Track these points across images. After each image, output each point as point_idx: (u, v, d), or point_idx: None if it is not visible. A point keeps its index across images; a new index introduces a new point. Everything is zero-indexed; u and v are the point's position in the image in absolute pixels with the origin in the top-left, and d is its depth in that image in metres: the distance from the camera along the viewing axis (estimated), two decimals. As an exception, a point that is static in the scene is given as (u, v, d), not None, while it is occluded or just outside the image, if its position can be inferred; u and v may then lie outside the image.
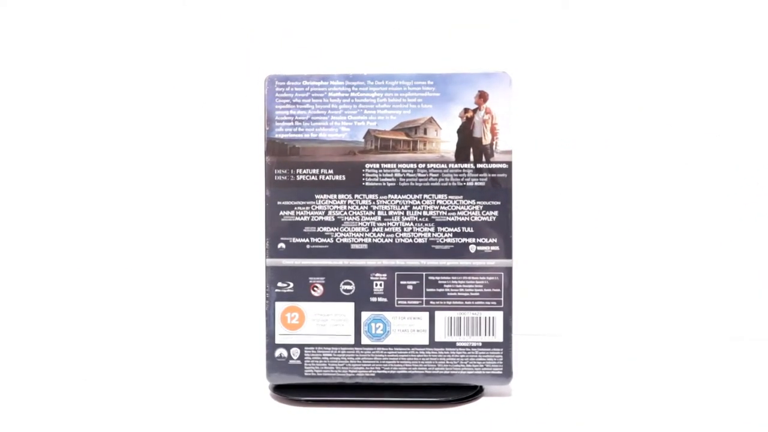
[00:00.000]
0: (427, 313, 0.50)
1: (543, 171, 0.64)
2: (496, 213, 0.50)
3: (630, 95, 0.63)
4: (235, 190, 0.65)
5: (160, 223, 0.66)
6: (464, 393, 0.50)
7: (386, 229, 0.50)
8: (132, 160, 0.66)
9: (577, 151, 0.64)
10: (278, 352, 0.50)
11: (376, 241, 0.50)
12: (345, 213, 0.50)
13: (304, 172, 0.50)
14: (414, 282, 0.50)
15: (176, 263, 0.66)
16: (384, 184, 0.50)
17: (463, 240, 0.50)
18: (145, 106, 0.65)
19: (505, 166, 0.50)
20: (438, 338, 0.50)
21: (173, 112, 0.65)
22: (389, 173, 0.50)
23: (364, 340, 0.50)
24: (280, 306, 0.50)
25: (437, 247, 0.50)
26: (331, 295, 0.50)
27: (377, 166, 0.50)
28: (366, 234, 0.50)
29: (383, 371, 0.50)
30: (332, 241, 0.50)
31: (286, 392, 0.50)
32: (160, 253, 0.66)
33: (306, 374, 0.50)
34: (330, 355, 0.50)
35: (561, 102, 0.63)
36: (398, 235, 0.50)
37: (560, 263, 0.65)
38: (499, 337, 0.50)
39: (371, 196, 0.50)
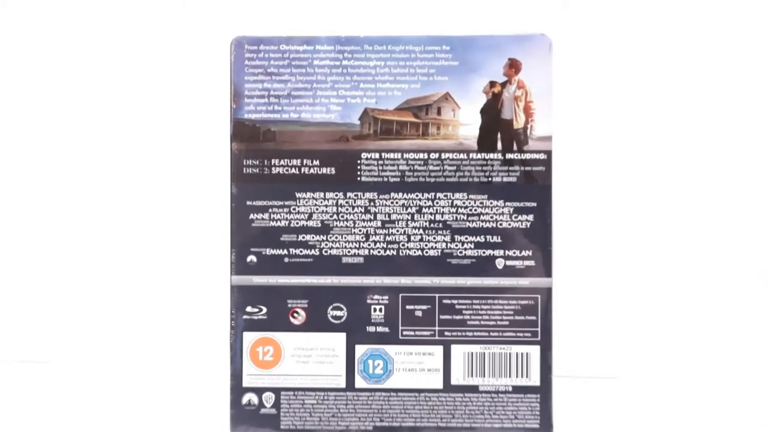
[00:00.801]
0: (440, 348, 0.48)
1: (591, 163, 0.60)
2: (530, 217, 0.48)
3: (700, 70, 0.60)
4: (191, 185, 0.61)
5: (97, 230, 0.62)
6: (489, 452, 0.50)
7: (388, 238, 0.49)
8: (57, 145, 0.62)
9: (635, 137, 0.60)
10: (246, 397, 0.49)
11: (375, 253, 0.48)
12: (335, 217, 0.48)
13: (282, 163, 0.48)
14: (424, 307, 0.48)
15: (117, 278, 0.62)
16: (385, 179, 0.48)
17: (489, 252, 0.48)
18: (73, 74, 0.62)
19: (542, 156, 0.48)
20: (455, 380, 0.48)
21: (112, 84, 0.61)
22: (392, 165, 0.48)
23: (359, 383, 0.48)
24: (249, 337, 0.49)
25: (454, 261, 0.48)
26: (317, 323, 0.48)
27: (377, 156, 0.48)
28: (362, 244, 0.48)
29: (383, 423, 0.49)
30: (318, 253, 0.48)
31: (256, 450, 0.51)
32: (98, 266, 0.62)
33: (282, 427, 0.49)
34: (314, 402, 0.49)
35: (615, 72, 0.60)
36: (404, 245, 0.48)
37: (613, 282, 0.61)
38: (534, 380, 0.48)
39: (369, 195, 0.48)
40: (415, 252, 0.48)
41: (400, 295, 0.48)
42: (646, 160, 0.60)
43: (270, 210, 0.48)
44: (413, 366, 0.49)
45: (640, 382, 0.59)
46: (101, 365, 0.62)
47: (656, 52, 0.59)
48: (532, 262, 0.48)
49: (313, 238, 0.49)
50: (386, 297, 0.48)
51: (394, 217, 0.49)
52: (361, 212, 0.49)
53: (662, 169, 0.61)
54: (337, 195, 0.48)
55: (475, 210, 0.48)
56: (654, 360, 0.60)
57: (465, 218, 0.49)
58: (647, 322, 0.60)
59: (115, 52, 0.61)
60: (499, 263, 0.48)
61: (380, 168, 0.48)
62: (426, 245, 0.48)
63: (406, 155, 0.48)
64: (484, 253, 0.48)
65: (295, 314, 0.49)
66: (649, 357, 0.60)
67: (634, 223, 0.60)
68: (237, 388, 0.49)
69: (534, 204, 0.48)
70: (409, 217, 0.49)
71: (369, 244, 0.49)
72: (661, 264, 0.60)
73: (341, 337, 0.49)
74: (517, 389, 0.48)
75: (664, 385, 0.59)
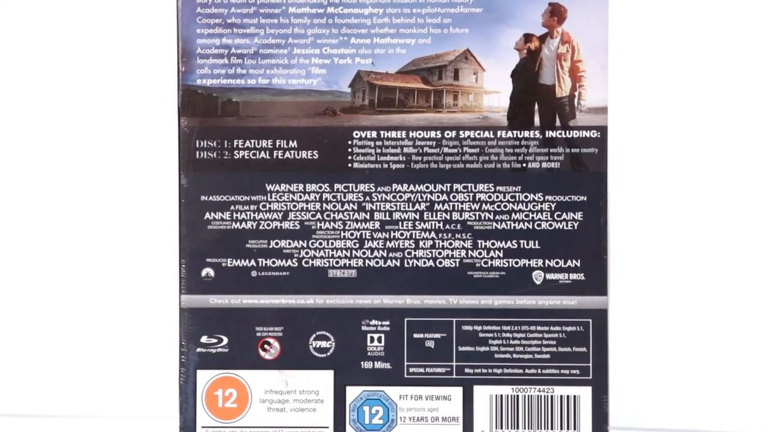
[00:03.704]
0: (460, 389, 0.47)
1: (658, 144, 0.61)
2: (579, 216, 0.47)
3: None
4: (127, 175, 0.62)
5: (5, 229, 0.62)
6: None
7: (389, 244, 0.47)
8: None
9: (716, 109, 0.60)
10: (202, 459, 0.47)
11: (372, 264, 0.47)
12: (318, 216, 0.47)
13: (248, 145, 0.47)
14: (437, 335, 0.47)
15: (36, 292, 0.62)
16: (385, 166, 0.47)
17: (523, 262, 0.47)
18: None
19: (595, 134, 0.46)
20: None
21: (25, 33, 0.61)
22: (394, 148, 0.47)
23: None
24: (205, 377, 0.47)
25: (477, 275, 0.47)
26: (295, 357, 0.47)
27: (374, 135, 0.47)
28: (354, 252, 0.47)
29: (384, 491, 0.47)
30: (296, 265, 0.47)
31: None
32: (8, 277, 0.62)
33: (250, 496, 0.47)
34: (292, 462, 0.47)
35: (691, 25, 0.60)
36: (410, 253, 0.47)
37: (688, 303, 0.61)
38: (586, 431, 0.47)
39: (363, 187, 0.47)
40: (424, 263, 0.47)
41: (406, 319, 0.47)
42: (731, 140, 0.59)
43: (232, 207, 0.47)
44: (423, 414, 0.47)
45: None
46: (23, 408, 0.62)
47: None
48: (581, 276, 0.47)
49: (289, 244, 0.47)
50: (387, 322, 0.47)
51: (396, 216, 0.48)
52: (353, 210, 0.48)
53: (752, 151, 0.59)
54: (321, 187, 0.47)
55: (505, 206, 0.47)
56: (747, 411, 0.60)
57: (491, 217, 0.47)
58: (737, 355, 0.59)
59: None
60: (537, 277, 0.47)
61: (378, 151, 0.47)
62: (440, 253, 0.47)
63: (412, 134, 0.47)
64: (516, 263, 0.47)
65: (266, 346, 0.48)
66: (740, 407, 0.59)
67: (717, 223, 0.59)
68: (189, 444, 0.47)
69: (583, 198, 0.47)
70: (417, 217, 0.47)
71: (364, 253, 0.48)
72: (757, 277, 0.59)
73: (328, 375, 0.48)
74: (562, 444, 0.46)
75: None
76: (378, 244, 0.48)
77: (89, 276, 0.61)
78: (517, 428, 0.47)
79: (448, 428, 0.48)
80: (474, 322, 0.47)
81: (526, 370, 0.47)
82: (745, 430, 0.59)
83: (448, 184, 0.48)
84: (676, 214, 0.60)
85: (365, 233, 0.48)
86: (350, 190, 0.48)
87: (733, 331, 0.59)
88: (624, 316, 0.55)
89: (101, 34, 0.61)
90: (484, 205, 0.47)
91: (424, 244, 0.47)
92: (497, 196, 0.47)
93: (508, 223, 0.47)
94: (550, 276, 0.47)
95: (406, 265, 0.47)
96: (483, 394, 0.47)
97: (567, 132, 0.47)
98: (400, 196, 0.48)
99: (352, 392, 0.47)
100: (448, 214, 0.48)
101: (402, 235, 0.48)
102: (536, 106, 0.47)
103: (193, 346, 0.47)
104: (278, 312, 0.47)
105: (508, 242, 0.47)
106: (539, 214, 0.47)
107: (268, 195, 0.47)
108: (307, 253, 0.47)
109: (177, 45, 0.48)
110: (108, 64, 0.60)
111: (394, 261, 0.47)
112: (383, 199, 0.48)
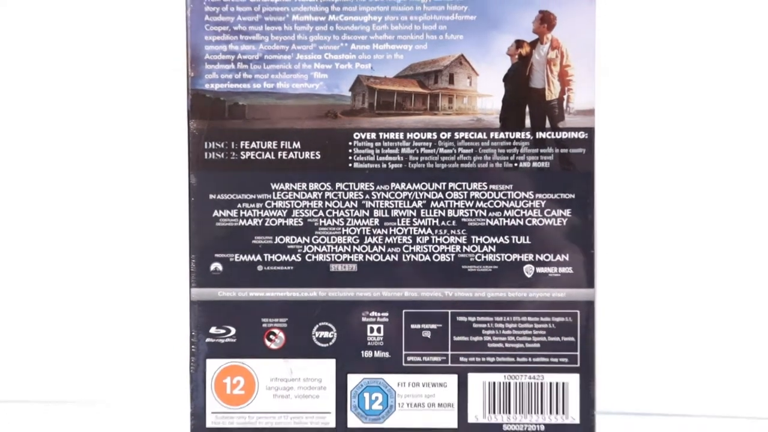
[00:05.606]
0: (455, 377, 0.47)
1: (643, 144, 0.61)
2: (567, 213, 0.47)
3: None
4: (139, 175, 0.61)
5: (20, 228, 0.62)
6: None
7: (387, 240, 0.47)
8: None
9: (700, 111, 0.60)
10: (212, 441, 0.47)
11: (372, 258, 0.47)
12: (321, 213, 0.47)
13: (253, 146, 0.47)
14: (433, 326, 0.47)
15: (50, 288, 0.62)
16: (384, 165, 0.47)
17: (514, 257, 0.47)
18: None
19: (582, 135, 0.47)
20: (473, 418, 0.47)
21: (38, 42, 0.61)
22: (392, 148, 0.47)
23: (353, 422, 0.47)
24: (214, 365, 0.48)
25: (471, 268, 0.47)
26: (299, 347, 0.47)
27: (373, 136, 0.47)
28: (355, 248, 0.47)
29: (383, 473, 0.47)
30: (300, 260, 0.47)
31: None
32: (22, 272, 0.62)
33: (257, 478, 0.47)
34: (296, 445, 0.47)
35: (675, 29, 0.59)
36: (407, 248, 0.47)
37: (671, 294, 0.61)
38: (573, 417, 0.47)
39: (363, 186, 0.47)
40: (421, 257, 0.47)
41: (404, 311, 0.47)
42: (715, 140, 0.59)
43: (239, 205, 0.47)
44: (420, 400, 0.48)
45: (706, 422, 0.59)
46: (34, 395, 0.62)
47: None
48: (569, 269, 0.47)
49: (293, 240, 0.47)
50: (386, 314, 0.48)
51: (395, 213, 0.48)
52: (353, 207, 0.48)
53: (735, 150, 0.59)
54: (323, 186, 0.47)
55: (498, 204, 0.47)
56: (723, 394, 0.60)
57: (484, 214, 0.47)
58: (715, 345, 0.60)
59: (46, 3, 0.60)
60: (528, 270, 0.47)
61: (377, 152, 0.47)
62: (436, 248, 0.47)
63: (409, 135, 0.47)
64: (508, 257, 0.47)
65: (271, 336, 0.48)
66: (718, 390, 0.60)
67: (699, 219, 0.60)
68: (200, 429, 0.48)
69: (572, 196, 0.47)
70: (414, 214, 0.48)
71: (364, 248, 0.48)
72: (733, 270, 0.59)
73: (330, 364, 0.48)
74: (551, 429, 0.47)
75: (735, 425, 0.58)
76: (377, 239, 0.48)
77: (104, 271, 0.61)
78: (509, 413, 0.47)
79: (443, 413, 0.47)
80: (468, 314, 0.47)
81: (518, 359, 0.47)
82: (727, 414, 0.59)
83: (444, 183, 0.48)
84: (661, 210, 0.60)
85: (365, 229, 0.48)
86: (351, 188, 0.48)
87: (714, 319, 0.59)
88: (610, 307, 0.55)
89: (115, 41, 0.61)
90: (477, 202, 0.48)
91: (421, 239, 0.47)
92: (490, 194, 0.47)
93: (501, 219, 0.47)
94: (540, 270, 0.47)
95: (404, 260, 0.48)
96: (477, 381, 0.47)
97: (556, 133, 0.47)
98: (398, 195, 0.48)
99: (353, 380, 0.47)
100: (444, 211, 0.48)
101: (400, 231, 0.48)
102: (527, 109, 0.47)
103: (202, 336, 0.48)
104: (283, 304, 0.47)
105: (501, 238, 0.47)
106: (530, 211, 0.47)
107: (273, 193, 0.47)
108: (310, 248, 0.47)
109: (186, 51, 0.48)
110: (121, 70, 0.61)
111: (392, 256, 0.48)
112: (382, 197, 0.48)
